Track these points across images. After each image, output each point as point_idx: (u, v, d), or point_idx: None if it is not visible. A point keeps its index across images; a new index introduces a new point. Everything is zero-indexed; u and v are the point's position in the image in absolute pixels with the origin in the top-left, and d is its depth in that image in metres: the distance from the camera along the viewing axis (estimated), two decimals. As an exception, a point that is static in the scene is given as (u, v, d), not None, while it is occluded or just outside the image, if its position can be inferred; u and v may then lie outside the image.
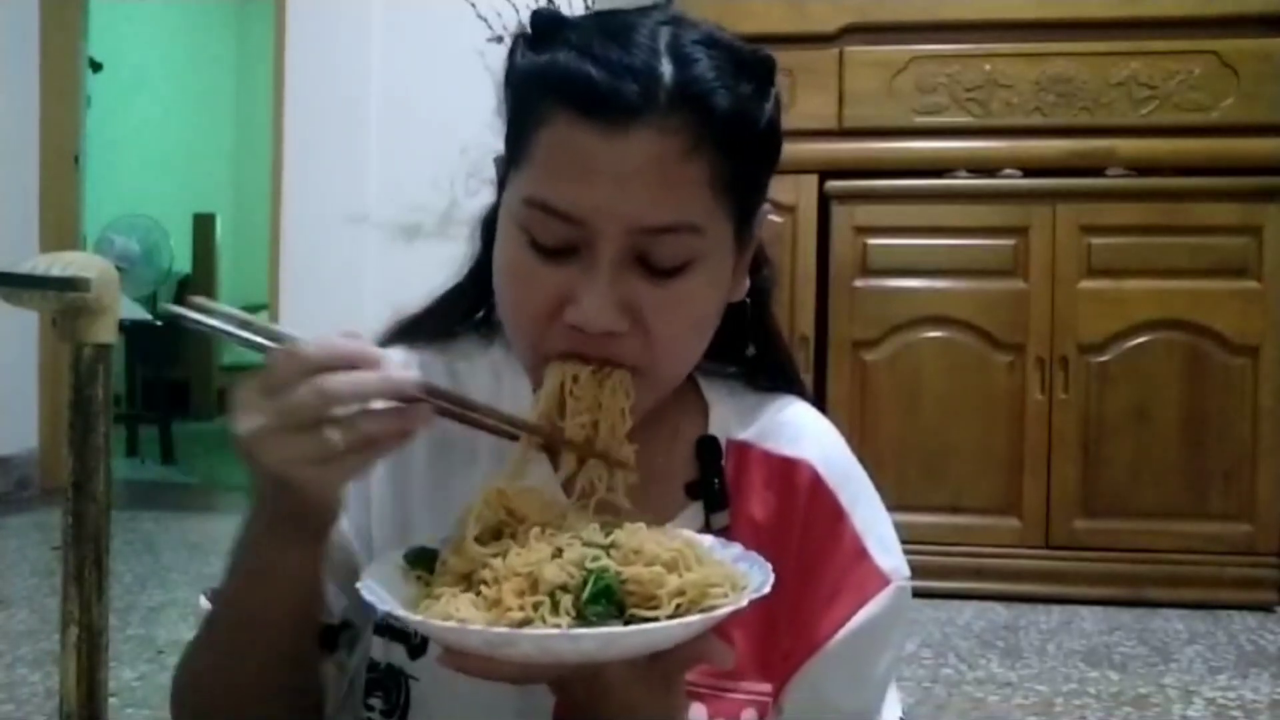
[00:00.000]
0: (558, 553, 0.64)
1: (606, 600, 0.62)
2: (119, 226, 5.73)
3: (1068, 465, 3.24)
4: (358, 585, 0.66)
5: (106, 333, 1.07)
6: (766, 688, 0.81)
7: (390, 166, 4.11)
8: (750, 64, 0.75)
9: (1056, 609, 3.14)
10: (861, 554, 0.82)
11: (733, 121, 0.72)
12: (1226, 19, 3.26)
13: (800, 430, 0.85)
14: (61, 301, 1.03)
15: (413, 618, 0.63)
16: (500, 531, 0.68)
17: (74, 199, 4.77)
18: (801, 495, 0.83)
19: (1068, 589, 3.21)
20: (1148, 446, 3.21)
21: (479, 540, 0.67)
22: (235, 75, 8.17)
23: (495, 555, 0.65)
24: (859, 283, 3.33)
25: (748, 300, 0.82)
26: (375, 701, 0.81)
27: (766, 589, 0.64)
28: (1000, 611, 3.12)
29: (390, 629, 0.81)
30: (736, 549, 0.70)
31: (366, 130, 4.16)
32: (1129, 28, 3.29)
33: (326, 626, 0.80)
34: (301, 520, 0.67)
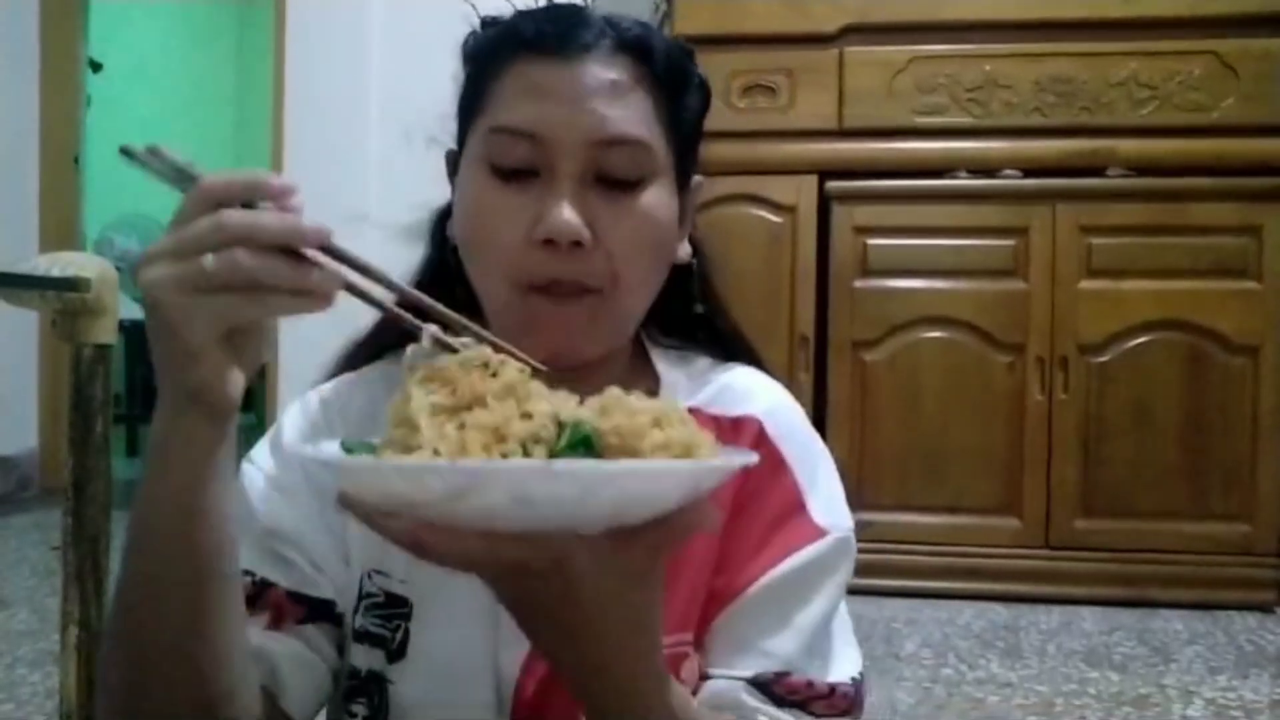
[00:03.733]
0: (526, 415, 0.57)
1: (585, 451, 0.56)
2: (119, 226, 5.73)
3: (1068, 465, 3.24)
4: (302, 452, 0.63)
5: (106, 333, 1.07)
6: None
7: (390, 166, 4.11)
8: (675, 40, 0.84)
9: (1056, 609, 3.14)
10: (798, 507, 0.82)
11: (669, 68, 0.81)
12: (1226, 19, 3.26)
13: (748, 391, 0.87)
14: (61, 301, 1.03)
15: (364, 461, 0.57)
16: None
17: (74, 199, 4.78)
18: (745, 446, 0.82)
19: (1068, 589, 3.21)
20: (1148, 446, 3.21)
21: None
22: (235, 75, 8.17)
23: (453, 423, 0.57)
24: (859, 283, 3.33)
25: (694, 262, 0.88)
26: (357, 708, 0.81)
27: (754, 459, 0.61)
28: (1000, 611, 3.12)
29: (369, 634, 0.80)
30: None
31: (366, 130, 4.16)
32: (1129, 28, 3.29)
33: (312, 600, 0.79)
34: (182, 379, 0.60)
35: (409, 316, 0.64)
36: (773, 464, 0.82)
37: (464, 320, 0.65)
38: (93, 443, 1.06)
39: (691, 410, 0.83)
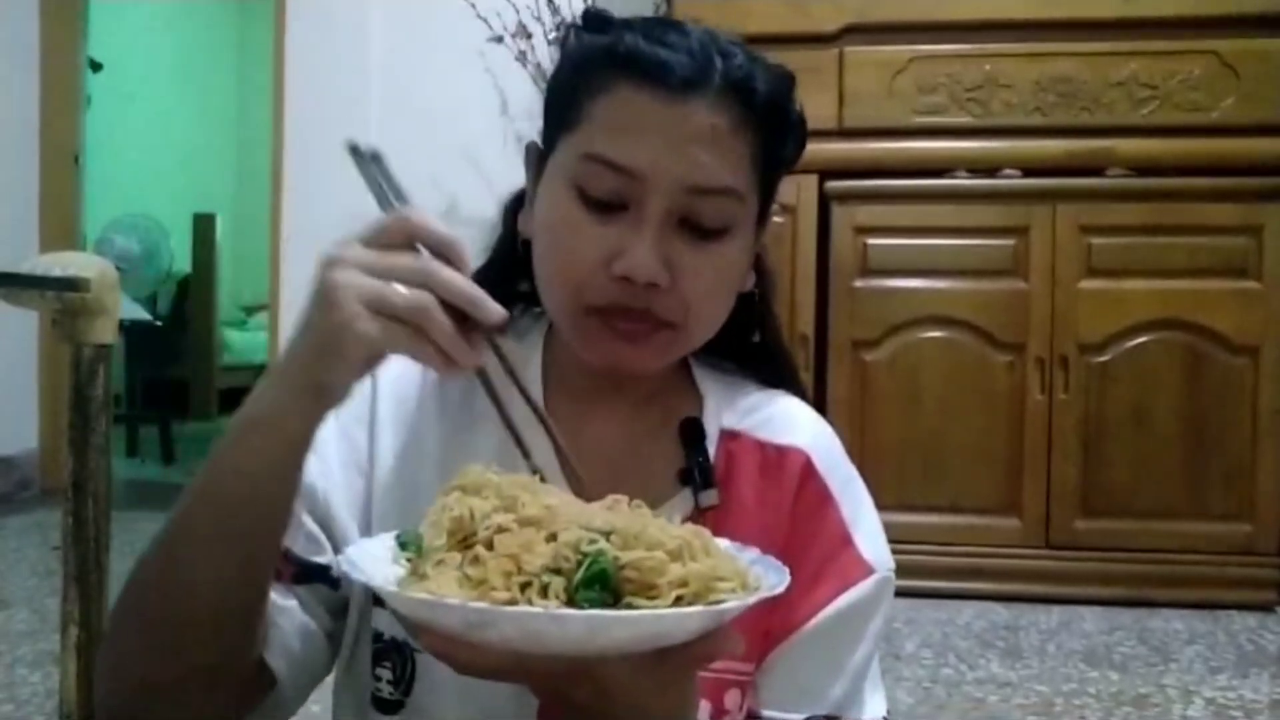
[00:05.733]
0: (552, 537, 0.60)
1: (601, 586, 0.57)
2: (119, 226, 5.72)
3: (1068, 465, 3.24)
4: (338, 557, 0.65)
5: (106, 333, 1.07)
6: (749, 668, 0.82)
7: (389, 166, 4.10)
8: (777, 70, 0.82)
9: (1056, 609, 3.14)
10: (846, 541, 0.84)
11: (771, 109, 0.80)
12: (1226, 19, 3.26)
13: (794, 421, 0.88)
14: (61, 301, 1.03)
15: (387, 588, 0.60)
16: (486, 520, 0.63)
17: (74, 199, 4.77)
18: (792, 480, 0.84)
19: (1068, 589, 3.21)
20: (1148, 446, 3.21)
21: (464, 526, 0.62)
22: (235, 75, 8.18)
23: (483, 540, 0.60)
24: (859, 283, 3.33)
25: (756, 291, 0.87)
26: (383, 672, 0.81)
27: (780, 590, 0.62)
28: (1000, 611, 3.12)
29: None
30: (753, 553, 0.68)
31: (366, 130, 4.15)
32: (1129, 28, 3.29)
33: (307, 563, 0.79)
34: (324, 369, 0.63)
35: (524, 442, 0.69)
36: (820, 498, 0.84)
37: (567, 453, 0.70)
38: (93, 443, 1.06)
39: (734, 434, 0.85)
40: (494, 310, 0.63)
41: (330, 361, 0.63)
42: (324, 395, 0.65)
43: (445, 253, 0.64)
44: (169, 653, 0.69)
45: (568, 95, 0.80)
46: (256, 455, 0.66)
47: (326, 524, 0.80)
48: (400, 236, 0.64)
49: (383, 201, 0.67)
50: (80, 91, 4.82)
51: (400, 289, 0.61)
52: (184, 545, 0.68)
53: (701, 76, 0.76)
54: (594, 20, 0.82)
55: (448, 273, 0.63)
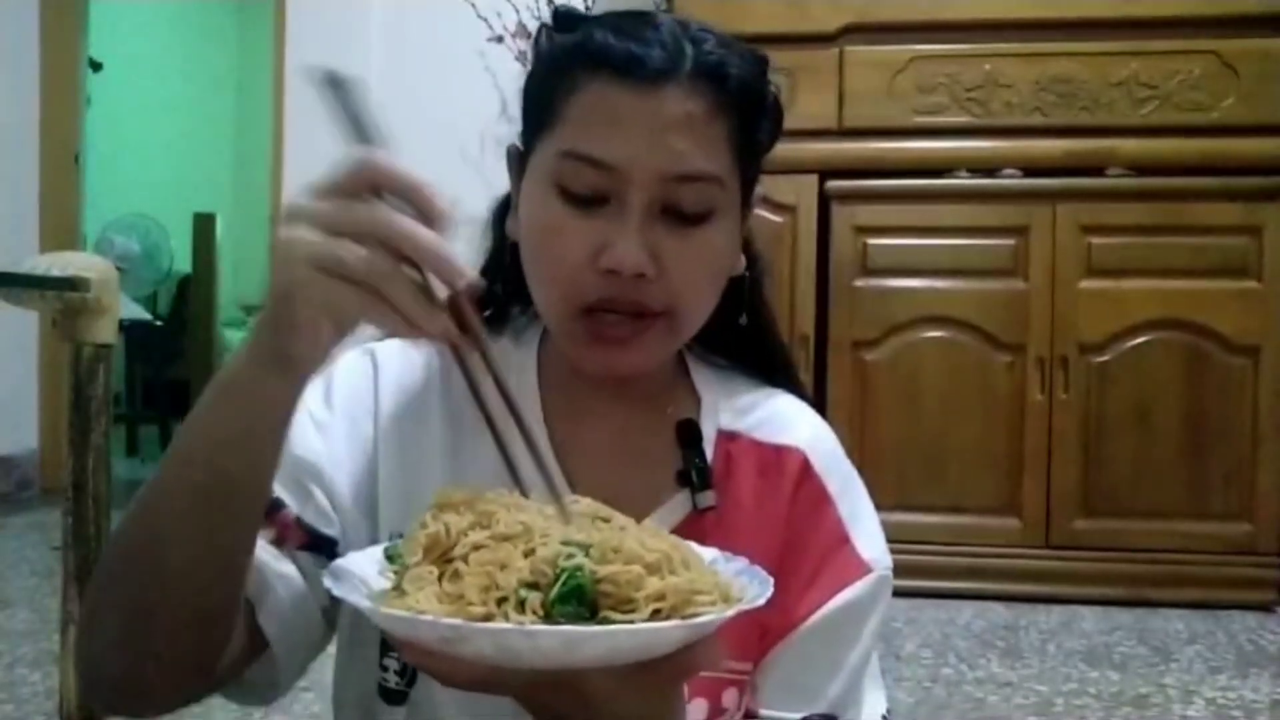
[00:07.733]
0: (530, 552, 0.59)
1: (577, 601, 0.57)
2: (119, 226, 5.73)
3: (1068, 465, 3.24)
4: (323, 571, 0.64)
5: (106, 333, 1.07)
6: (747, 667, 0.82)
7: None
8: (749, 54, 0.82)
9: (1056, 609, 3.14)
10: (844, 540, 0.84)
11: (744, 92, 0.79)
12: (1226, 19, 3.25)
13: (791, 421, 0.88)
14: (61, 301, 1.03)
15: (364, 604, 0.59)
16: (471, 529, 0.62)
17: (74, 199, 4.77)
18: (790, 480, 0.84)
19: (1068, 589, 3.21)
20: (1148, 446, 3.21)
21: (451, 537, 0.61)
22: (235, 75, 8.17)
23: (462, 554, 0.60)
24: (859, 283, 3.33)
25: (746, 274, 0.87)
26: (390, 662, 0.81)
27: (760, 602, 0.61)
28: (1000, 611, 3.12)
29: None
30: (740, 563, 0.68)
31: (366, 130, 4.16)
32: (1129, 28, 3.29)
33: (317, 534, 0.78)
34: (281, 338, 0.60)
35: (504, 447, 0.65)
36: (818, 498, 0.85)
37: (545, 454, 0.68)
38: (93, 443, 1.06)
39: (731, 434, 0.85)
40: (460, 271, 0.57)
41: (287, 330, 0.59)
42: (290, 365, 0.62)
43: (414, 200, 0.58)
44: (150, 614, 0.67)
45: (543, 96, 0.80)
46: (227, 423, 0.64)
47: (336, 505, 0.80)
48: (363, 183, 0.57)
49: (355, 138, 0.60)
50: (80, 91, 4.82)
51: (355, 247, 0.56)
52: (158, 512, 0.66)
53: (672, 65, 0.76)
54: (564, 19, 0.82)
55: (409, 226, 0.56)
